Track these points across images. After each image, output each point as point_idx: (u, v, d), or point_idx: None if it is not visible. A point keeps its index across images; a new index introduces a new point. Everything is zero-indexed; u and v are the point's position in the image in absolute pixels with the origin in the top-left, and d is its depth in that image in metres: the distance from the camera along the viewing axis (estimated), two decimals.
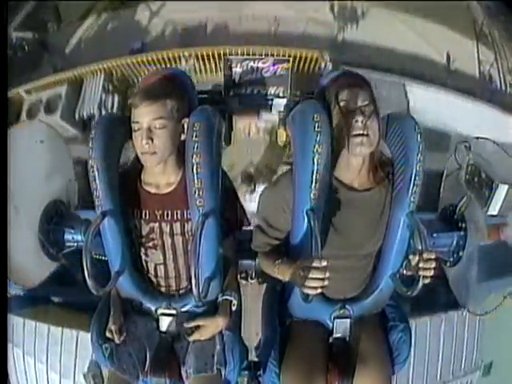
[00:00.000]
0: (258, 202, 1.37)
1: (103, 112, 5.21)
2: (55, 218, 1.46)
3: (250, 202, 3.94)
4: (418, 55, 4.83)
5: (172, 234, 1.36)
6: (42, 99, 5.19)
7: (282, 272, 1.29)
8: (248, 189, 4.44)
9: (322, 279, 1.09)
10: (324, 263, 1.09)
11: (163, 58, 5.08)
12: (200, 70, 5.00)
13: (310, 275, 1.09)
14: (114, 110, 5.35)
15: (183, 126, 1.29)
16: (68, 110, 5.16)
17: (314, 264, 1.10)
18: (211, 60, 4.95)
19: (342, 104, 1.20)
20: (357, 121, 1.18)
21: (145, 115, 1.23)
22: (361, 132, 1.18)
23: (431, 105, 4.56)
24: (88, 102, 5.23)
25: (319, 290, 1.11)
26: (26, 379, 2.93)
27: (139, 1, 5.65)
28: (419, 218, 1.25)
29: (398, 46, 4.89)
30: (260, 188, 4.31)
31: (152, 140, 1.23)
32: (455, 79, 4.70)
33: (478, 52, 4.83)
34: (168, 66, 5.00)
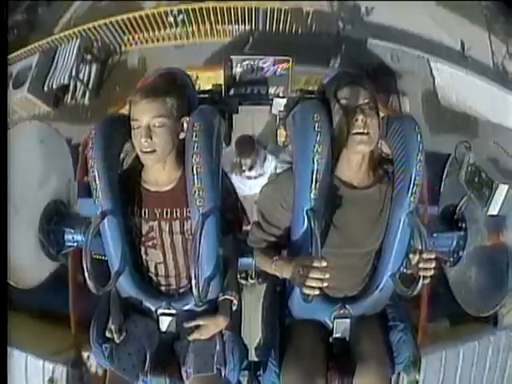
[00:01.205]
0: (259, 198, 1.37)
1: (77, 83, 4.60)
2: (55, 218, 1.46)
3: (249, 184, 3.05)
4: (434, 39, 4.74)
5: (171, 233, 1.36)
6: (12, 73, 4.61)
7: (279, 269, 1.29)
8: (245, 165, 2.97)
9: (322, 280, 1.09)
10: (324, 263, 1.09)
11: (148, 16, 4.78)
12: (191, 24, 4.80)
13: (310, 275, 1.10)
14: (91, 80, 4.73)
15: (182, 124, 1.29)
16: (37, 81, 4.58)
17: (314, 264, 1.10)
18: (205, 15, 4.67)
19: (342, 102, 1.21)
20: (357, 119, 1.18)
21: (144, 113, 1.23)
22: (361, 130, 1.18)
23: (458, 86, 4.45)
24: (60, 70, 4.64)
25: (317, 291, 1.11)
26: None
27: None
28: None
29: (412, 28, 4.79)
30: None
31: (151, 138, 1.23)
32: (470, 67, 4.65)
33: (490, 43, 4.78)
34: (155, 25, 4.69)
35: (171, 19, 4.88)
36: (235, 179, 2.98)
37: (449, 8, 4.81)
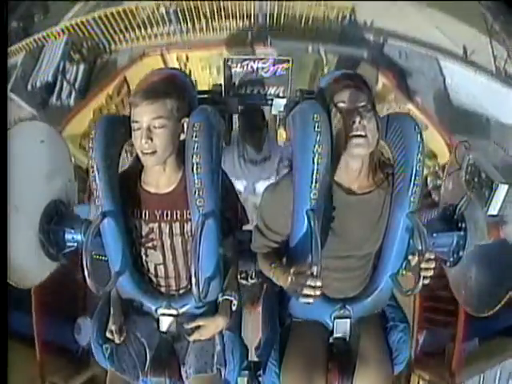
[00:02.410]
0: (259, 202, 1.37)
1: (64, 83, 4.33)
2: (55, 218, 1.46)
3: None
4: (436, 45, 4.69)
5: (171, 235, 1.36)
6: None
7: (276, 276, 1.29)
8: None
9: (314, 287, 1.10)
10: (315, 269, 1.10)
11: (138, 10, 4.48)
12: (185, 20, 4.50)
13: (302, 282, 1.10)
14: (78, 80, 4.47)
15: (183, 125, 1.29)
16: (21, 81, 4.30)
17: (306, 270, 1.11)
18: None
19: (339, 105, 1.20)
20: (354, 122, 1.18)
21: (145, 114, 1.23)
22: (358, 133, 1.18)
23: (468, 86, 4.40)
24: (45, 68, 4.35)
25: (311, 300, 1.11)
26: None
27: None
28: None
29: (415, 34, 4.74)
30: None
31: (152, 139, 1.23)
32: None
33: (491, 48, 4.77)
34: (147, 22, 4.46)
35: (163, 10, 4.64)
36: (236, 172, 2.59)
37: (449, 13, 4.80)
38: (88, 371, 3.44)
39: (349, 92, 1.20)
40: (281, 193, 1.29)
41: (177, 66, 3.82)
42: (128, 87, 3.70)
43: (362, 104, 1.19)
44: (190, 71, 3.90)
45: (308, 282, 1.09)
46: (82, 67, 4.56)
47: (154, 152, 1.24)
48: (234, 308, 1.41)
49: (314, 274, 1.10)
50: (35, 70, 4.36)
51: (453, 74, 4.52)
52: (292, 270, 1.14)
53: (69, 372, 3.37)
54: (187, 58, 3.90)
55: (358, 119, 1.17)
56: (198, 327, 1.39)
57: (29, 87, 4.30)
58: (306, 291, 1.10)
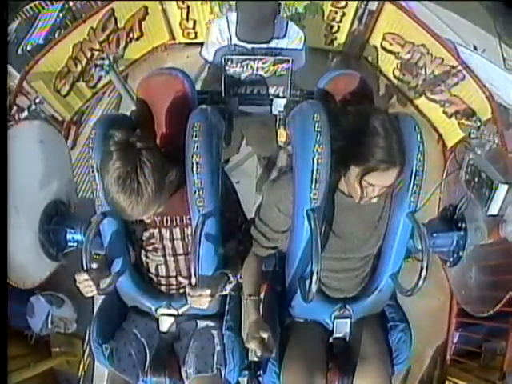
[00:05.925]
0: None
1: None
2: (55, 218, 1.46)
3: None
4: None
5: (172, 239, 1.36)
6: None
7: (247, 308, 1.31)
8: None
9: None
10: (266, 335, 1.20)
11: None
12: None
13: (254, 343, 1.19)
14: None
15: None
16: (13, 46, 4.03)
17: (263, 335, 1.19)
18: None
19: (364, 183, 1.16)
20: (372, 197, 1.19)
21: None
22: (373, 201, 1.20)
23: (485, 72, 4.39)
24: (37, 32, 4.16)
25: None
26: None
27: None
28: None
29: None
30: None
31: None
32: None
33: (501, 49, 4.73)
34: None
35: None
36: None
37: (460, 14, 4.75)
38: (43, 364, 2.54)
39: (380, 175, 1.14)
40: (278, 190, 1.30)
41: (173, 1, 3.22)
42: (115, 22, 3.19)
43: (393, 182, 1.17)
44: (189, 7, 3.27)
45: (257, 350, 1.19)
46: None
47: None
48: (229, 286, 1.35)
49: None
50: (28, 36, 4.16)
51: (469, 58, 4.46)
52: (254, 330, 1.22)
53: (16, 364, 2.44)
54: (188, 8, 3.25)
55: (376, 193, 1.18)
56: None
57: (19, 51, 4.09)
58: (256, 350, 1.18)
